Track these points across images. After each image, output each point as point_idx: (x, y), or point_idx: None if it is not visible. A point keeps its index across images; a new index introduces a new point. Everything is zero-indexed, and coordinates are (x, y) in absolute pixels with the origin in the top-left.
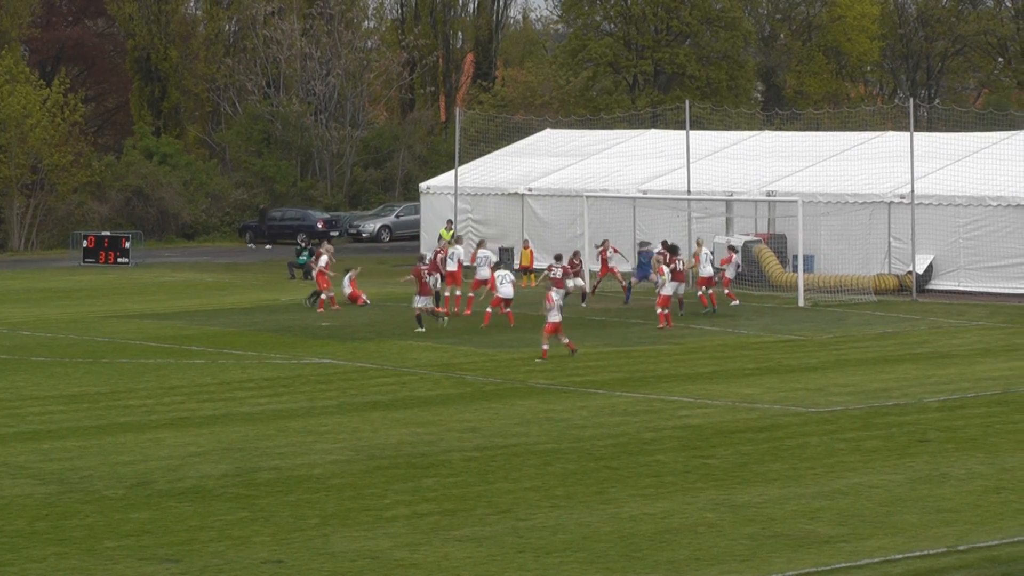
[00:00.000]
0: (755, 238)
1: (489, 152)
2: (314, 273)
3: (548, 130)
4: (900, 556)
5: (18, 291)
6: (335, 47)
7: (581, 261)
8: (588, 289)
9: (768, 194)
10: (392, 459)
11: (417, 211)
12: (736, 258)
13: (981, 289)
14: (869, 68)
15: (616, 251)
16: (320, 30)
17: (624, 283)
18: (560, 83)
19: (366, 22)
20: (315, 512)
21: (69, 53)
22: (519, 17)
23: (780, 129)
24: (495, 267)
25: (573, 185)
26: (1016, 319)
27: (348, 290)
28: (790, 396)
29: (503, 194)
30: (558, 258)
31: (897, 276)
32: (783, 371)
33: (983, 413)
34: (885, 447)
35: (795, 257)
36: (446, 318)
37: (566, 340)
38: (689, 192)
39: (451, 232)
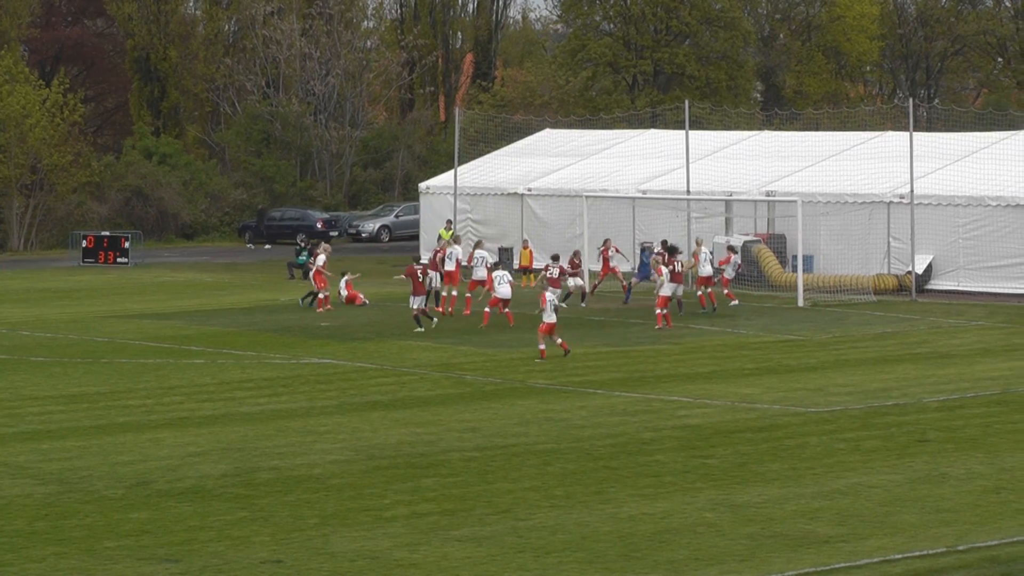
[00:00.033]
0: (754, 238)
1: (488, 152)
2: (311, 272)
3: (547, 130)
4: (899, 556)
5: (17, 291)
6: (334, 47)
7: (580, 261)
8: (587, 289)
9: (767, 194)
10: (392, 459)
11: (416, 211)
12: (735, 258)
13: (980, 289)
14: (868, 68)
15: (617, 251)
16: (319, 30)
17: (625, 283)
18: (559, 83)
19: (365, 22)
20: (315, 512)
21: (68, 53)
22: (518, 17)
23: (779, 129)
24: (493, 267)
25: (572, 185)
26: (1015, 319)
27: (344, 293)
28: (789, 396)
29: (502, 194)
30: (555, 258)
31: (896, 276)
32: (782, 371)
33: (982, 413)
34: (884, 447)
35: (794, 257)
36: (435, 320)
37: (559, 340)
38: (688, 192)
39: (450, 232)
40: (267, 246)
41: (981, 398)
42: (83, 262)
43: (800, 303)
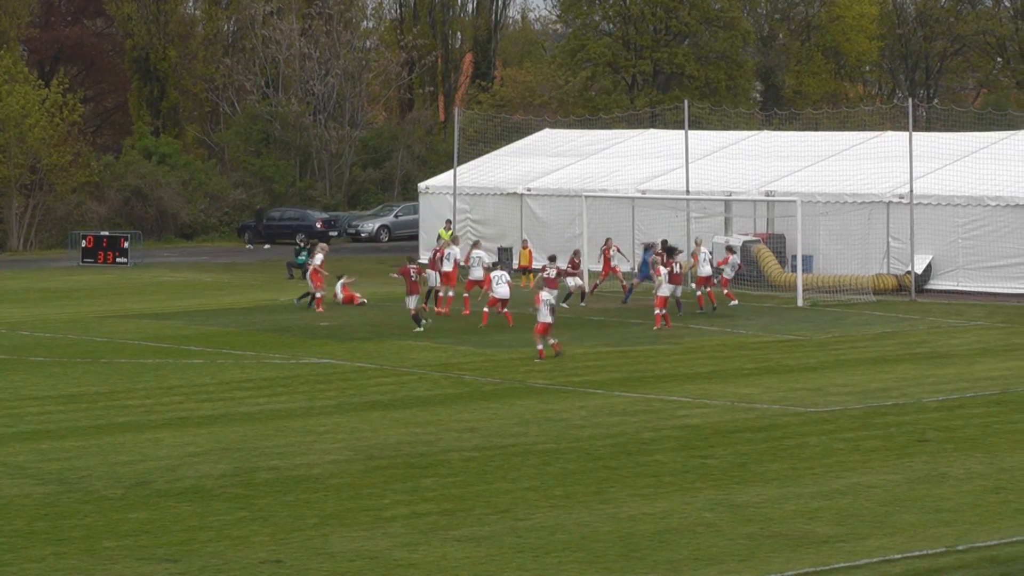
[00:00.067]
0: (754, 238)
1: (488, 152)
2: (308, 271)
3: (547, 130)
4: (899, 556)
5: (17, 291)
6: (334, 47)
7: (580, 261)
8: (587, 288)
9: (767, 194)
10: (391, 459)
11: (416, 211)
12: (733, 258)
13: (980, 289)
14: (868, 68)
15: (618, 250)
16: (319, 30)
17: (625, 283)
18: (559, 83)
19: (365, 22)
20: (314, 512)
21: (68, 53)
22: (518, 17)
23: (779, 129)
24: (493, 267)
25: (572, 185)
26: (1015, 319)
27: (341, 295)
28: (789, 396)
29: (502, 194)
30: (552, 259)
31: (896, 276)
32: (782, 371)
33: (982, 413)
34: (884, 447)
35: (794, 257)
36: (427, 321)
37: (553, 341)
38: (688, 192)
39: (450, 232)
40: (266, 246)
41: (980, 398)
42: (82, 262)
43: (799, 303)
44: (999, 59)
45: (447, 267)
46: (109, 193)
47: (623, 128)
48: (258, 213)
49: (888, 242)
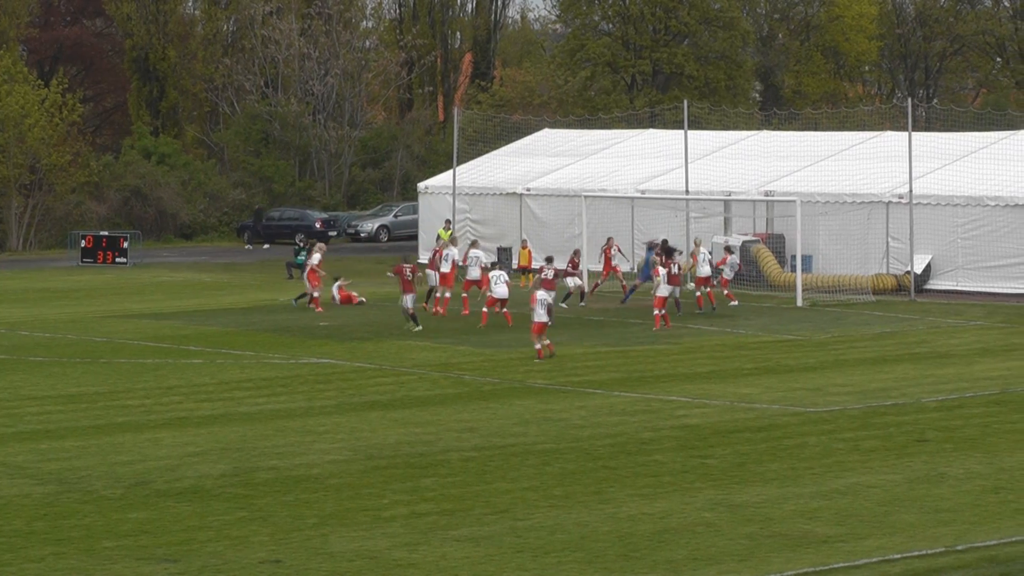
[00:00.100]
0: (753, 238)
1: (487, 152)
2: (305, 271)
3: (546, 130)
4: (898, 556)
5: (16, 291)
6: (333, 47)
7: (579, 261)
8: (587, 288)
9: (766, 194)
10: (390, 459)
11: (415, 211)
12: (731, 258)
13: (979, 289)
14: (867, 68)
15: (619, 250)
16: (318, 30)
17: (624, 283)
18: (558, 83)
19: (364, 22)
20: (313, 512)
21: (67, 53)
22: (517, 17)
23: (778, 129)
24: (491, 267)
25: (571, 185)
26: (1014, 319)
27: (338, 297)
28: (788, 396)
29: (501, 194)
30: (549, 260)
31: (895, 276)
32: (781, 371)
33: (981, 413)
34: (883, 447)
35: (793, 257)
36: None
37: (546, 342)
38: (687, 192)
39: (449, 232)
40: (265, 246)
41: (980, 398)
42: (82, 262)
43: (799, 303)
44: (998, 59)
45: (445, 268)
46: (108, 193)
47: (622, 128)
48: (256, 213)
49: (887, 242)
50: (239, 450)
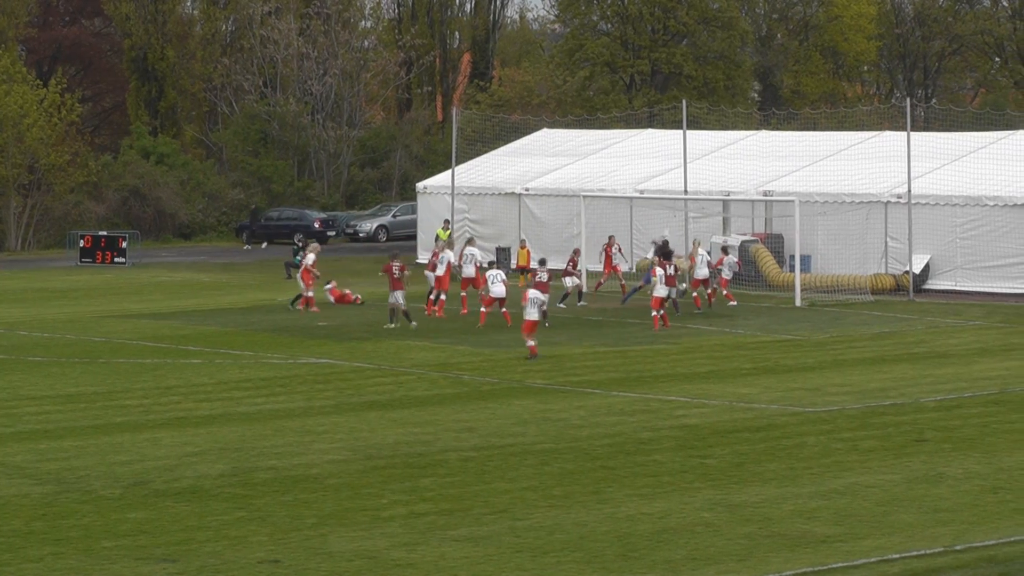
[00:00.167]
0: (752, 238)
1: (486, 152)
2: (299, 271)
3: (545, 130)
4: (897, 556)
5: (15, 291)
6: (332, 47)
7: (578, 260)
8: (586, 288)
9: (765, 194)
10: (389, 459)
11: (414, 211)
12: (728, 259)
13: (978, 289)
14: (866, 68)
15: (619, 250)
16: (317, 30)
17: (624, 282)
18: (557, 83)
19: (363, 22)
20: (312, 512)
21: (66, 53)
22: (516, 17)
23: (777, 129)
24: (489, 266)
25: (570, 185)
26: (1013, 319)
27: (332, 298)
28: (787, 396)
29: (500, 194)
30: (542, 262)
31: (894, 276)
32: (780, 371)
33: (980, 413)
34: (882, 447)
35: (792, 257)
36: (395, 324)
37: (532, 343)
38: (686, 192)
39: (448, 232)
40: (264, 245)
41: (978, 398)
42: (80, 262)
43: (797, 303)
44: (997, 59)
45: (440, 271)
46: (107, 193)
47: (621, 128)
48: (253, 213)
49: (886, 242)
50: (238, 450)
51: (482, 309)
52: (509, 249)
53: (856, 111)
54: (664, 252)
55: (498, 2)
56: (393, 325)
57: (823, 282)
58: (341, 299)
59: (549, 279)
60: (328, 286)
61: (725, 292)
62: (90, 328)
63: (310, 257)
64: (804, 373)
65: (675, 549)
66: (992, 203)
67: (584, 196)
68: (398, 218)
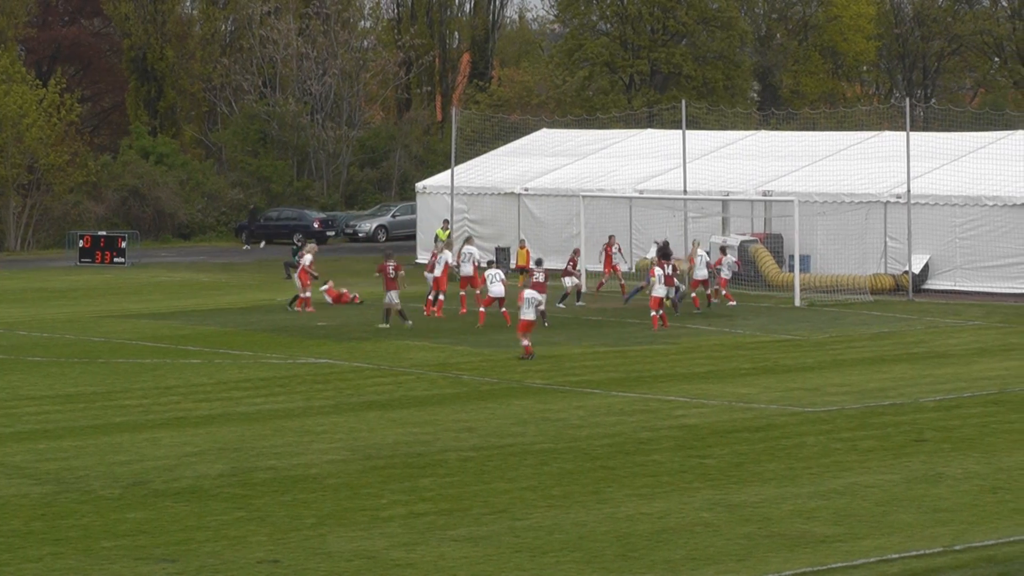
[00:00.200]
0: (751, 238)
1: (485, 152)
2: (297, 271)
3: (544, 130)
4: (896, 556)
5: (14, 291)
6: (331, 47)
7: (578, 260)
8: (586, 288)
9: (764, 194)
10: (388, 459)
11: (413, 211)
12: (727, 259)
13: (977, 289)
14: (865, 68)
15: (619, 250)
16: (316, 30)
17: (624, 282)
18: (556, 83)
19: (362, 22)
20: (311, 512)
21: (65, 53)
22: (515, 17)
23: (776, 129)
24: (488, 266)
25: (569, 185)
26: (1012, 319)
27: (329, 299)
28: (786, 396)
29: (499, 194)
30: (539, 263)
31: (893, 276)
32: (779, 371)
33: (979, 413)
34: (881, 447)
35: (791, 257)
36: (387, 324)
37: (526, 343)
38: (685, 192)
39: (447, 232)
40: (262, 244)
41: (978, 398)
42: (80, 262)
43: (797, 303)
44: (996, 59)
45: (437, 271)
46: (106, 193)
47: (620, 128)
48: (251, 213)
49: (885, 242)
50: (237, 450)
51: (481, 309)
52: (508, 249)
53: (855, 111)
54: (663, 252)
55: (497, 2)
56: (387, 325)
57: (822, 282)
58: (339, 299)
59: (546, 279)
60: (324, 287)
61: (724, 292)
62: (89, 328)
63: (307, 258)
64: (803, 373)
65: (674, 549)
66: (991, 203)
67: (583, 196)
68: (397, 218)
